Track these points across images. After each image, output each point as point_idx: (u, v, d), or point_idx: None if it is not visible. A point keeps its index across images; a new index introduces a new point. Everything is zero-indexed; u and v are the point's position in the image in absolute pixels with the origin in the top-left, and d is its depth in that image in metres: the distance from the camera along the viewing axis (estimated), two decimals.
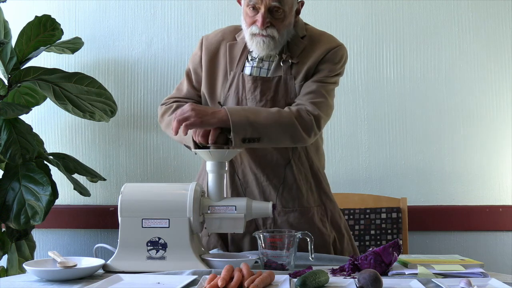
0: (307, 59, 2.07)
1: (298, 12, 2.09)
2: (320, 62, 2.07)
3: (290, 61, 2.07)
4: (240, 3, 2.08)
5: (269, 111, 1.97)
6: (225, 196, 1.92)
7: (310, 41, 2.11)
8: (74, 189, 2.59)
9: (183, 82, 2.22)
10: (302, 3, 2.10)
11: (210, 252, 2.00)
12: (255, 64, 2.10)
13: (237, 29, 2.17)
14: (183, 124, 1.88)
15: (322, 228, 2.09)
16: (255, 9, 2.00)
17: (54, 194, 2.50)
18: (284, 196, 2.08)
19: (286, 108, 2.01)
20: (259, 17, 1.99)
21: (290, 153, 2.09)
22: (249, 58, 2.11)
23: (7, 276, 2.55)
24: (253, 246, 2.02)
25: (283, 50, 2.08)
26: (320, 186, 2.15)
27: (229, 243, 2.08)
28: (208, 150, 1.91)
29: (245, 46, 2.11)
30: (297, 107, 2.01)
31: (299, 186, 2.09)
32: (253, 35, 2.02)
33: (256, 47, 2.04)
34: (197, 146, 2.05)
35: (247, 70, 2.10)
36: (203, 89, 2.15)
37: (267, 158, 2.08)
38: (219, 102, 2.10)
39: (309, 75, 2.07)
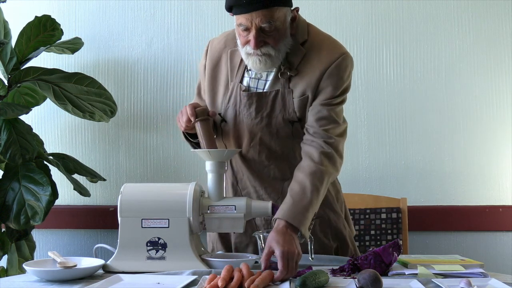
0: (306, 72, 1.97)
1: (294, 19, 1.97)
2: (323, 78, 1.96)
3: (288, 73, 1.98)
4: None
5: (316, 192, 1.88)
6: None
7: (311, 49, 2.00)
8: (74, 189, 2.59)
9: (198, 92, 2.21)
10: (297, 9, 1.98)
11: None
12: (253, 75, 2.03)
13: None
14: (295, 261, 1.75)
15: (323, 239, 2.06)
16: (246, 29, 1.91)
17: (54, 194, 2.50)
18: None
19: (314, 165, 1.91)
20: (251, 37, 1.90)
21: (289, 170, 2.03)
22: (248, 67, 2.03)
23: (7, 276, 2.55)
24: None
25: (282, 60, 1.98)
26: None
27: (232, 251, 2.08)
28: (207, 150, 1.91)
29: None
30: (321, 150, 1.93)
31: None
32: (249, 54, 1.94)
33: (253, 67, 1.96)
34: (190, 141, 2.07)
35: (245, 81, 2.04)
36: (206, 99, 2.12)
37: (264, 173, 2.05)
38: (219, 114, 2.06)
39: (309, 90, 1.97)
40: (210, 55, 2.12)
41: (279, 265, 1.70)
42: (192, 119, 1.94)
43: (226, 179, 2.10)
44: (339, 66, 1.98)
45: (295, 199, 1.87)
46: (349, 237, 2.14)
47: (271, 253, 1.74)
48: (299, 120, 2.00)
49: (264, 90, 2.01)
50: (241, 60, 2.03)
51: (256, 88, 2.02)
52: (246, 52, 1.95)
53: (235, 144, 2.05)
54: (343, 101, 2.03)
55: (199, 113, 1.96)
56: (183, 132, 2.09)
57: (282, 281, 1.68)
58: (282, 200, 1.99)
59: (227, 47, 2.09)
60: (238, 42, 1.99)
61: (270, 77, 2.02)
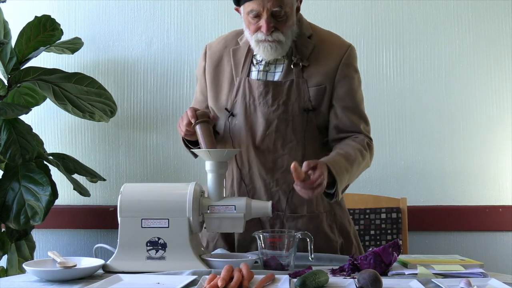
0: (319, 63, 2.05)
1: (298, 9, 2.05)
2: (339, 68, 2.05)
3: (301, 64, 2.04)
4: (239, 11, 2.04)
5: (357, 165, 2.01)
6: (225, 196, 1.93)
7: (319, 41, 2.08)
8: (74, 189, 2.59)
9: (196, 96, 2.23)
10: (301, 0, 2.07)
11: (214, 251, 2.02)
12: (261, 68, 2.07)
13: (239, 34, 2.15)
14: (319, 190, 1.87)
15: (330, 234, 2.08)
16: (257, 16, 1.96)
17: (54, 194, 2.50)
18: (294, 202, 2.06)
19: (359, 145, 2.04)
20: (262, 23, 1.95)
21: (302, 161, 2.02)
22: (254, 62, 2.08)
23: (7, 276, 2.55)
24: None
25: (292, 52, 2.05)
26: None
27: (236, 249, 2.08)
28: (207, 150, 1.91)
29: (249, 50, 2.08)
30: (366, 140, 2.08)
31: None
32: (259, 41, 1.99)
33: (264, 53, 2.01)
34: (189, 147, 2.10)
35: (253, 75, 2.07)
36: (209, 100, 2.14)
37: (278, 163, 2.05)
38: (226, 109, 2.07)
39: (327, 81, 2.04)
40: (210, 57, 2.15)
41: (314, 178, 1.82)
42: (193, 121, 1.96)
43: (230, 175, 2.10)
44: (349, 56, 2.09)
45: (340, 156, 1.97)
46: (353, 234, 2.15)
47: (312, 166, 1.84)
48: (313, 109, 2.04)
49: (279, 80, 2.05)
50: (246, 55, 2.08)
51: (266, 80, 2.06)
52: (256, 40, 2.00)
53: (248, 136, 2.05)
54: (362, 95, 2.15)
55: (200, 115, 1.98)
56: (183, 139, 2.10)
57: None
58: (294, 192, 2.00)
59: (227, 47, 2.13)
60: (247, 32, 2.03)
61: (279, 69, 2.06)
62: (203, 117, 1.98)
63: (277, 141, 2.04)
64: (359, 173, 2.06)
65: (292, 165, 1.79)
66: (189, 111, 1.99)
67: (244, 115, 2.05)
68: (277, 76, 2.06)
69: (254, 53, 2.08)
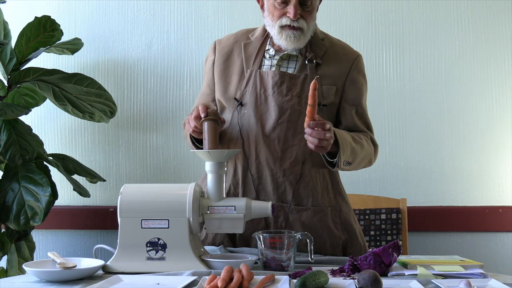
0: (332, 64, 2.11)
1: (317, 9, 2.14)
2: (351, 70, 2.13)
3: (315, 61, 2.09)
4: (259, 1, 2.11)
5: (362, 143, 2.09)
6: (232, 193, 1.97)
7: (330, 45, 2.16)
8: (74, 190, 2.59)
9: (202, 89, 2.25)
10: (320, 0, 2.16)
11: (215, 247, 2.03)
12: (274, 63, 2.11)
13: (250, 31, 2.21)
14: (321, 147, 1.92)
15: (333, 229, 2.08)
16: (284, 2, 2.02)
17: (54, 195, 2.49)
18: (299, 194, 2.07)
19: (366, 137, 2.14)
20: (290, 8, 2.02)
21: (310, 154, 2.07)
22: (267, 56, 2.13)
23: (6, 277, 2.55)
24: None
25: (307, 49, 2.11)
26: (337, 188, 2.14)
27: (237, 239, 2.09)
28: (207, 150, 1.91)
29: (262, 44, 2.14)
30: (371, 138, 2.17)
31: (314, 184, 2.08)
32: (283, 27, 2.04)
33: (286, 41, 2.05)
34: (196, 146, 2.10)
35: (266, 68, 2.11)
36: (217, 93, 2.16)
37: (287, 153, 2.07)
38: (235, 98, 2.09)
39: (339, 82, 2.11)
40: (219, 51, 2.19)
41: (325, 121, 1.90)
42: (202, 115, 1.97)
43: (233, 164, 2.11)
44: (359, 62, 2.18)
45: (346, 133, 2.06)
46: (359, 232, 2.16)
47: (321, 123, 1.89)
48: (324, 105, 2.10)
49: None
50: (258, 49, 2.13)
51: (281, 71, 2.11)
52: (280, 25, 2.05)
53: (257, 124, 2.07)
54: (366, 104, 2.25)
55: (210, 113, 1.97)
56: (190, 136, 2.10)
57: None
58: (300, 183, 2.06)
59: (238, 42, 2.18)
60: (269, 20, 2.08)
61: (292, 65, 2.11)
62: (213, 115, 1.98)
63: (288, 131, 2.06)
64: (362, 158, 2.10)
65: (312, 83, 1.86)
66: (200, 106, 1.99)
67: (254, 104, 2.08)
68: (289, 71, 2.10)
69: (267, 48, 2.13)
